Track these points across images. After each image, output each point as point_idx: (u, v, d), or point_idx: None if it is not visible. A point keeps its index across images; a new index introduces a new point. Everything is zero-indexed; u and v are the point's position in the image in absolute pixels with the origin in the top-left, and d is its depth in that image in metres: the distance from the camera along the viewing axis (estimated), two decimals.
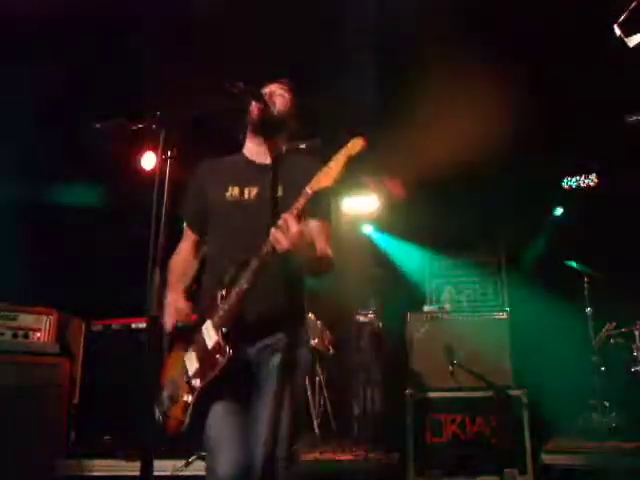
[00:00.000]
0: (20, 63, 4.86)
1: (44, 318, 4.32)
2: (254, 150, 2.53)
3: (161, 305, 2.16)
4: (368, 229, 7.08)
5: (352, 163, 2.16)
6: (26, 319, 4.27)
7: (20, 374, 3.89)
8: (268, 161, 2.49)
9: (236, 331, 2.24)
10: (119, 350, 4.96)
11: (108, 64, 4.96)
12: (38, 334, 4.27)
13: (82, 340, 4.88)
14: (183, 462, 4.04)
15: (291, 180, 2.40)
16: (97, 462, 4.17)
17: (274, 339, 2.31)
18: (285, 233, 2.09)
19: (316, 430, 4.97)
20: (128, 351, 4.83)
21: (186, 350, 2.36)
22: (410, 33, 4.91)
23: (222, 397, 2.26)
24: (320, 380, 5.33)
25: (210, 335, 2.26)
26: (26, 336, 4.22)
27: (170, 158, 2.03)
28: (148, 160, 5.66)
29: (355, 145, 2.15)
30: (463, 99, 5.21)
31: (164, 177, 2.02)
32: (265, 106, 2.40)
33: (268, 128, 2.48)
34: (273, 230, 2.11)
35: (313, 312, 5.19)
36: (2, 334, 4.12)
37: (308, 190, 2.14)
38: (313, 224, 2.39)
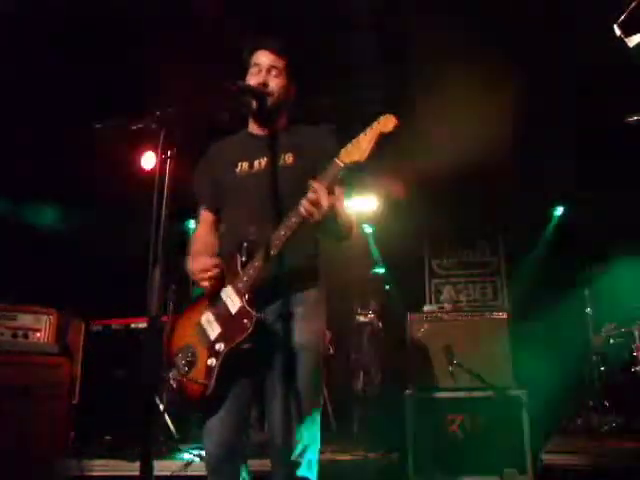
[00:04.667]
0: (19, 63, 4.86)
1: (44, 318, 4.31)
2: (258, 127, 2.53)
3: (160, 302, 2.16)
4: (368, 229, 7.07)
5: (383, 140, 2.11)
6: (26, 319, 4.26)
7: (20, 374, 3.88)
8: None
9: (258, 296, 2.25)
10: (119, 350, 4.97)
11: (108, 64, 4.96)
12: (38, 334, 4.26)
13: (82, 340, 4.88)
14: (183, 462, 4.03)
15: (302, 147, 2.42)
16: (97, 462, 4.16)
17: (290, 307, 2.30)
18: (317, 205, 2.08)
19: None
20: (128, 351, 4.84)
21: (199, 315, 2.35)
22: (410, 32, 4.91)
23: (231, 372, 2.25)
24: None
25: (233, 300, 2.26)
26: (26, 336, 4.21)
27: (170, 158, 2.03)
28: (148, 160, 5.67)
29: (387, 122, 2.13)
30: (463, 99, 5.21)
31: (164, 177, 2.01)
32: (264, 100, 2.39)
33: (269, 116, 2.47)
34: (304, 202, 2.10)
35: None
36: (2, 334, 4.12)
37: (340, 163, 2.12)
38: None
